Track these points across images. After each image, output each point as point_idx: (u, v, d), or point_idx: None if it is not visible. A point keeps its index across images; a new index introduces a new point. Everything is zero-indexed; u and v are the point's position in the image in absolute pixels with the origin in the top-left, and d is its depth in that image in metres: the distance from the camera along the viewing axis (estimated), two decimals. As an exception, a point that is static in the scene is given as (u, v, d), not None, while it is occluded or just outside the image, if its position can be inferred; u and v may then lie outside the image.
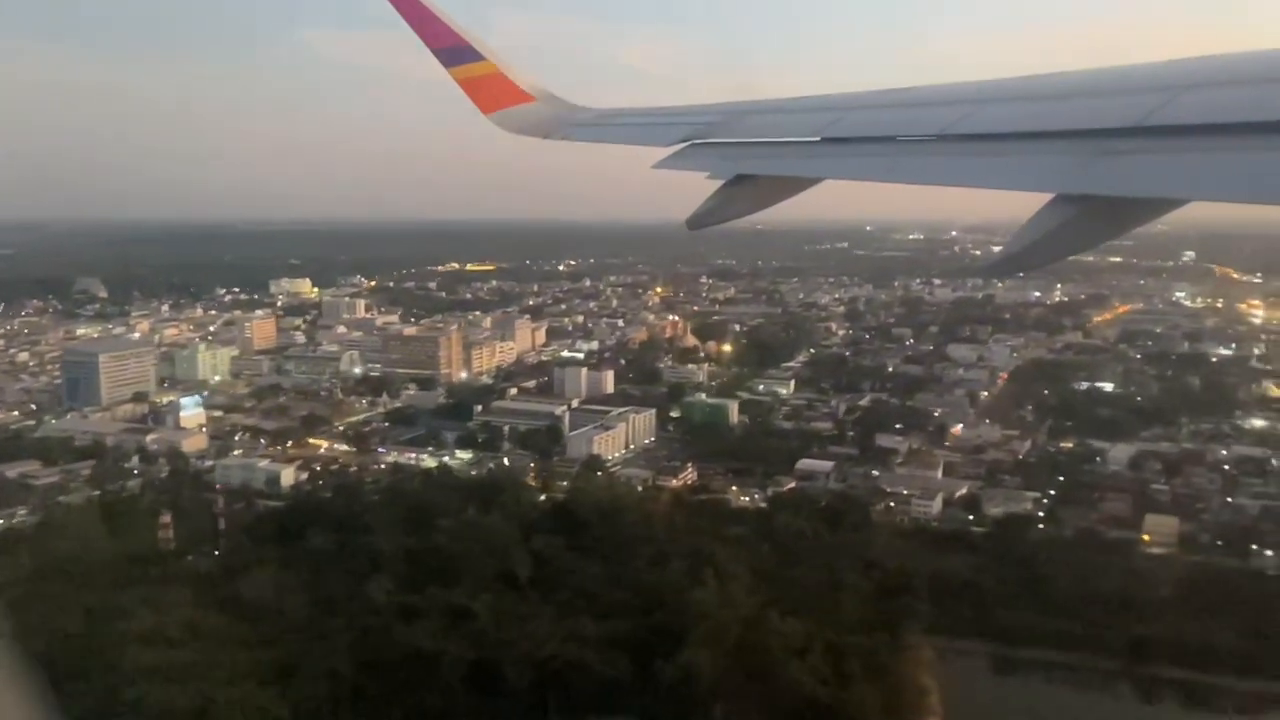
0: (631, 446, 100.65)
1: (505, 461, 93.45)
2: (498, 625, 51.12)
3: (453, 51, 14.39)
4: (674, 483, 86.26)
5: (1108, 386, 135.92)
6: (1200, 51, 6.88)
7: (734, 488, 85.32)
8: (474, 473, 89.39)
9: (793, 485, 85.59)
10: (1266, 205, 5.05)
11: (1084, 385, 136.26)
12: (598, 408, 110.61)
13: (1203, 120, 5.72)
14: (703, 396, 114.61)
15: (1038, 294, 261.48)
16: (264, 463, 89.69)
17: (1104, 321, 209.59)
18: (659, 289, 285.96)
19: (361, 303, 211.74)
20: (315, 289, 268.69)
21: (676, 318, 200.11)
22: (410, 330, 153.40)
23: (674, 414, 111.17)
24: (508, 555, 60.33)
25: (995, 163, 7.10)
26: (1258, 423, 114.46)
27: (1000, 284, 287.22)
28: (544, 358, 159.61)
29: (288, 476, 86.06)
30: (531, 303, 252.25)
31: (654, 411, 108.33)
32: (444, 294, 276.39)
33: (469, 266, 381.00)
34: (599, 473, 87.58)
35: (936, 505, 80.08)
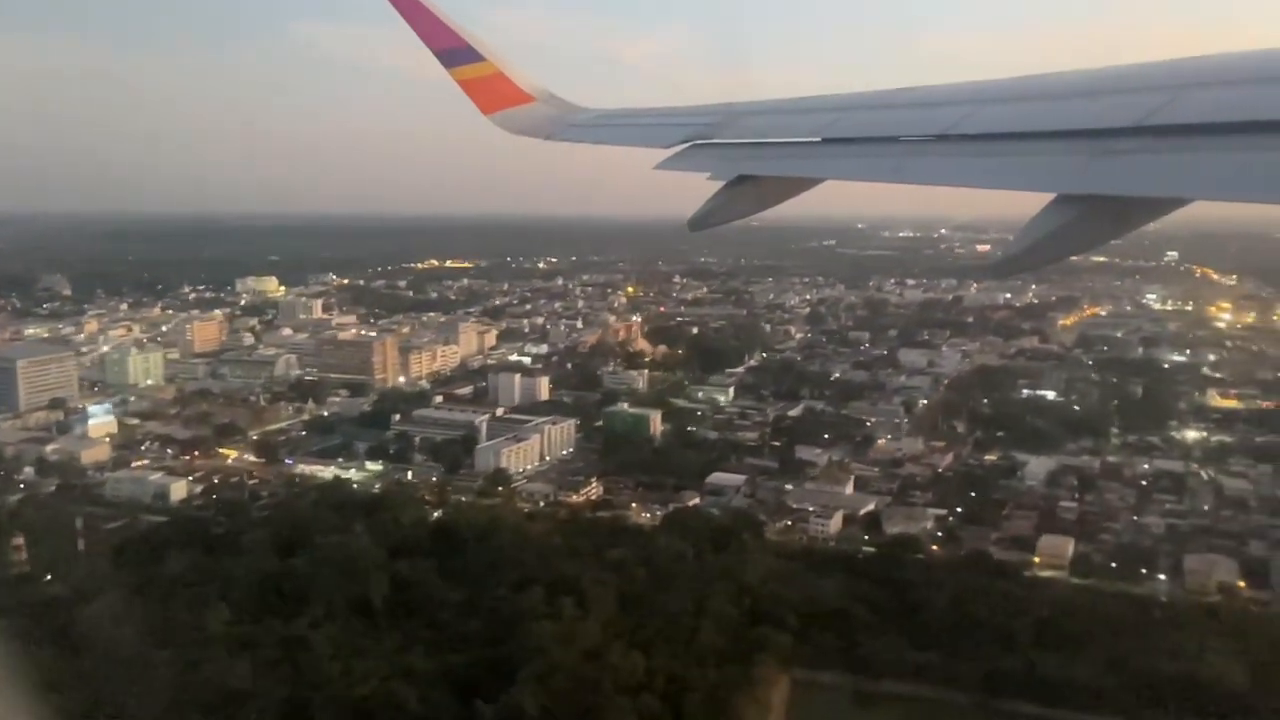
0: (547, 458, 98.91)
1: (409, 475, 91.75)
2: (330, 659, 49.65)
3: (453, 52, 14.45)
4: (574, 498, 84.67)
5: (1050, 395, 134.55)
6: (1201, 51, 6.92)
7: (634, 504, 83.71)
8: (376, 487, 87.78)
9: (696, 501, 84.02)
10: (1268, 205, 5.03)
11: (1026, 393, 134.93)
12: (521, 417, 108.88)
13: (1204, 120, 5.72)
14: (625, 406, 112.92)
15: (1008, 296, 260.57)
16: (156, 476, 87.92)
17: (1066, 325, 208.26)
18: (630, 289, 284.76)
19: (319, 303, 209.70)
20: (282, 288, 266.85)
21: (633, 320, 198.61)
22: (349, 335, 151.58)
23: (599, 424, 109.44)
24: (369, 580, 58.92)
25: (997, 163, 7.13)
26: (1191, 435, 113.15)
27: (975, 285, 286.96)
28: (490, 361, 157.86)
29: (178, 490, 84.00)
30: (498, 303, 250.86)
31: (574, 422, 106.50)
32: (412, 293, 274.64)
33: (448, 263, 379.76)
34: (499, 488, 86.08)
35: (835, 524, 78.50)
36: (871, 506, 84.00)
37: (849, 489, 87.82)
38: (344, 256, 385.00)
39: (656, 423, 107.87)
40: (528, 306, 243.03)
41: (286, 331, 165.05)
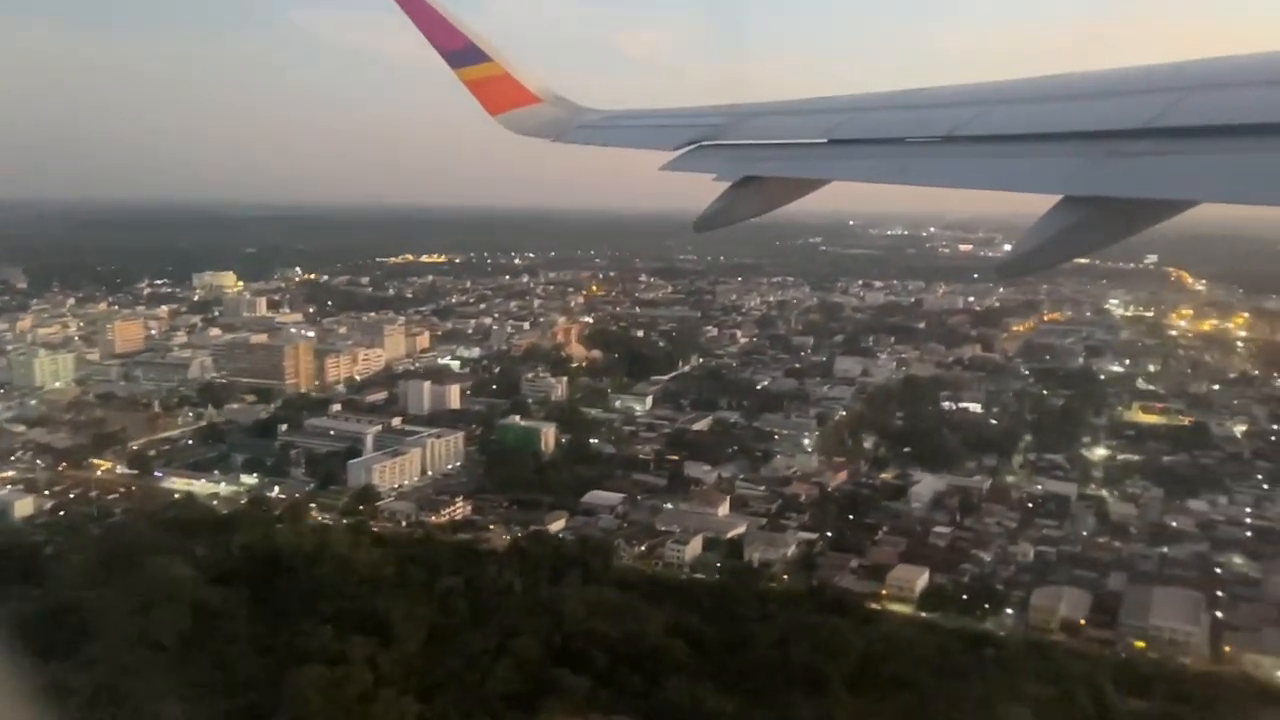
0: (429, 473, 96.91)
1: (276, 491, 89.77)
2: (87, 706, 47.73)
3: (460, 53, 14.41)
4: (434, 519, 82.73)
5: (973, 407, 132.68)
6: (1209, 53, 6.92)
7: (496, 526, 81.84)
8: (243, 502, 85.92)
9: (560, 524, 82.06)
10: (1275, 206, 4.97)
11: (948, 406, 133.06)
12: (414, 428, 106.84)
13: (1211, 121, 5.76)
14: (517, 419, 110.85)
15: (971, 299, 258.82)
16: (3, 490, 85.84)
17: (1019, 332, 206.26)
18: (595, 287, 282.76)
19: (263, 300, 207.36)
20: (240, 283, 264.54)
21: (577, 322, 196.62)
22: (261, 338, 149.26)
23: (493, 436, 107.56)
24: (169, 612, 56.99)
25: (1004, 164, 7.12)
26: (1099, 453, 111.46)
27: (943, 288, 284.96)
28: (417, 365, 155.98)
29: (24, 507, 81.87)
30: (454, 300, 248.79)
31: (462, 434, 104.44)
32: (371, 290, 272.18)
33: (423, 258, 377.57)
34: (361, 506, 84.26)
35: (693, 549, 76.63)
36: (741, 530, 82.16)
37: (723, 510, 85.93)
38: (321, 249, 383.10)
39: (550, 436, 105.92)
40: (482, 305, 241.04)
41: (215, 332, 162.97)
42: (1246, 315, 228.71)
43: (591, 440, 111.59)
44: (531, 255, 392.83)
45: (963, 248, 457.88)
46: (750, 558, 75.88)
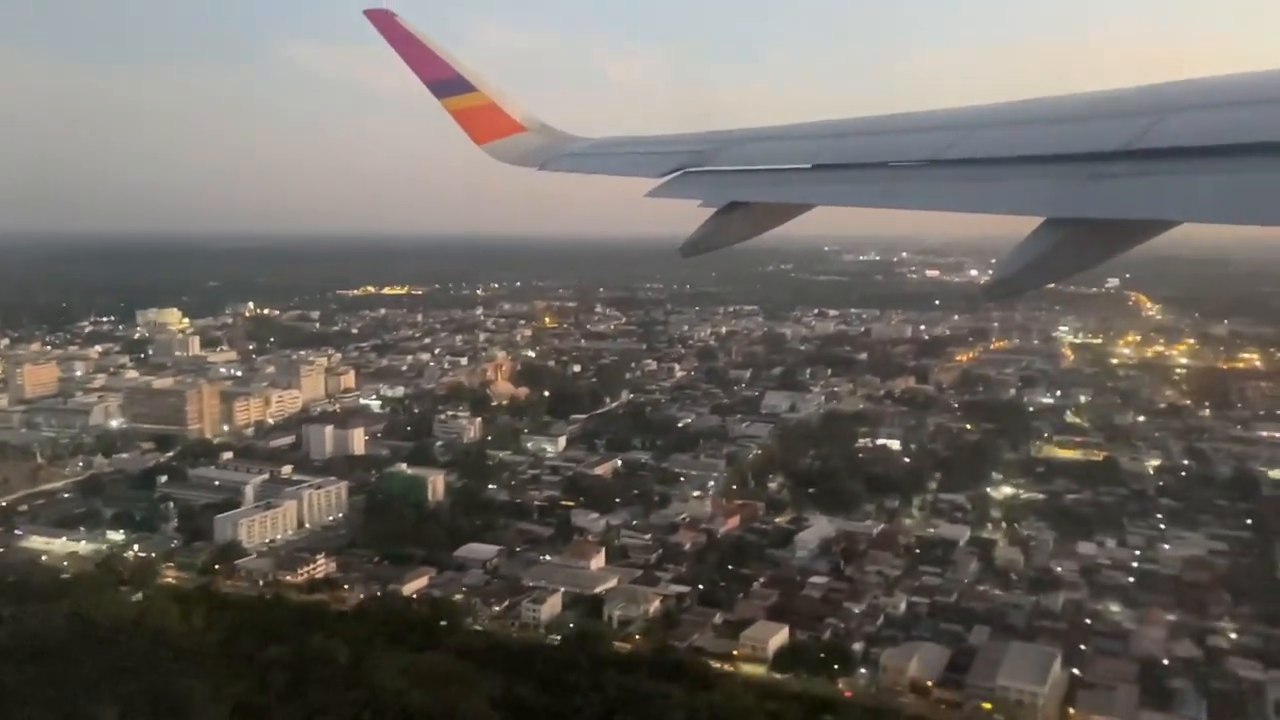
0: (306, 526, 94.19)
1: (135, 549, 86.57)
2: None
3: (445, 83, 14.60)
4: (291, 578, 79.68)
5: (893, 444, 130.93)
6: (1186, 75, 7.09)
7: (353, 585, 78.86)
8: (107, 559, 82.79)
9: (424, 581, 79.24)
10: (1254, 226, 5.10)
11: (865, 444, 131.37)
12: (304, 477, 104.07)
13: (1190, 143, 5.85)
14: (404, 467, 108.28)
15: (922, 328, 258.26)
16: None
17: (960, 362, 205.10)
18: (549, 319, 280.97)
19: (196, 339, 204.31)
20: (184, 319, 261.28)
21: (508, 359, 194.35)
22: (162, 383, 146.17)
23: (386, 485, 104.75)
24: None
25: (986, 187, 7.22)
26: (1004, 492, 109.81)
27: (896, 316, 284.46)
28: (336, 406, 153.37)
29: None
30: (402, 334, 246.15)
31: (344, 485, 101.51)
32: (318, 325, 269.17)
33: (384, 290, 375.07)
34: (218, 565, 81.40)
35: (552, 608, 74.02)
36: (612, 584, 79.72)
37: (597, 563, 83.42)
38: (286, 281, 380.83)
39: (438, 485, 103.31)
40: (427, 340, 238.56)
41: (131, 374, 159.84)
42: (1191, 342, 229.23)
43: (490, 486, 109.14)
44: (496, 286, 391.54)
45: (929, 273, 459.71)
46: (609, 615, 73.39)
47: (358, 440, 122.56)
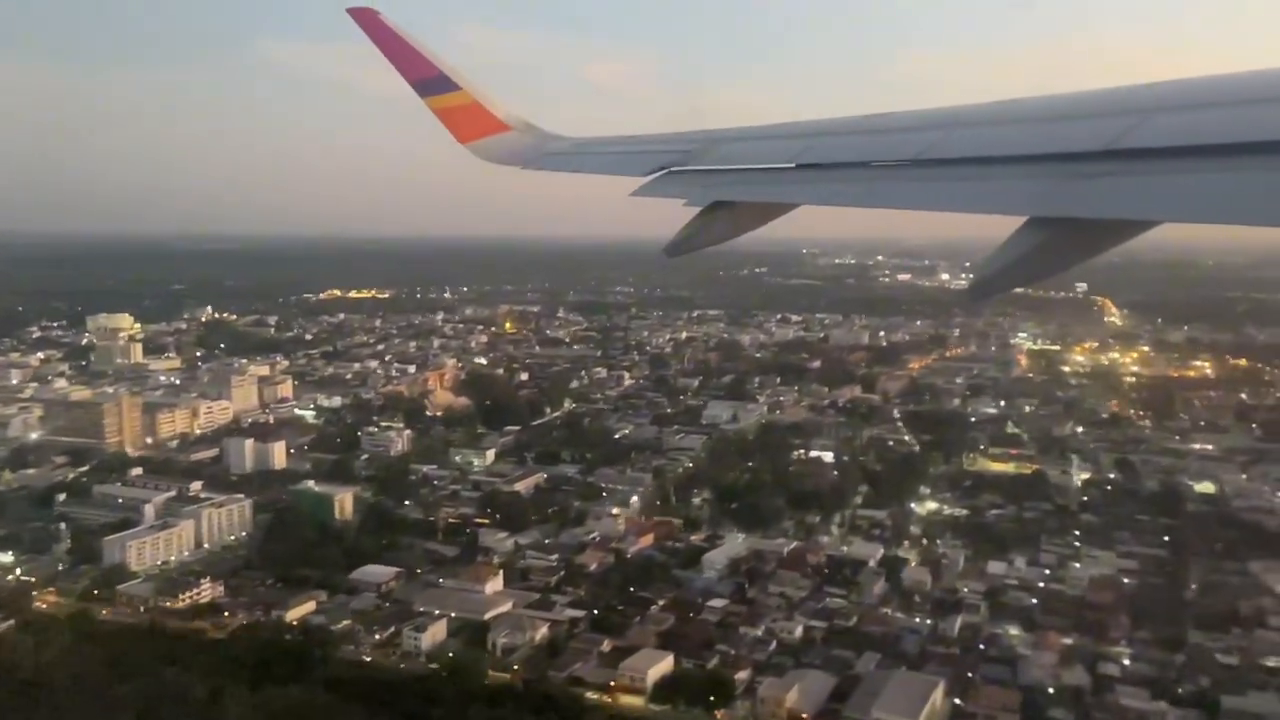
0: (205, 546, 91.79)
1: (17, 572, 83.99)
2: None
3: (429, 81, 14.54)
4: (173, 604, 77.32)
5: (827, 456, 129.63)
6: (1167, 76, 7.18)
7: (238, 611, 76.54)
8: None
9: (312, 606, 77.02)
10: (1234, 225, 5.17)
11: (798, 456, 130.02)
12: (210, 495, 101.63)
13: (1172, 143, 5.92)
14: (311, 484, 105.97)
15: (882, 334, 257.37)
16: None
17: (913, 369, 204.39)
18: (508, 325, 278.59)
19: (139, 346, 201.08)
20: (136, 325, 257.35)
21: (457, 366, 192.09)
22: (83, 394, 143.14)
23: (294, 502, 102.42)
24: None
25: (969, 187, 7.27)
26: (927, 507, 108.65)
27: (860, 321, 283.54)
28: (269, 416, 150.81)
29: None
30: (357, 340, 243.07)
31: (249, 502, 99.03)
32: (274, 330, 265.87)
33: (351, 293, 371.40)
34: (97, 591, 79.00)
35: (436, 635, 72.06)
36: (506, 608, 77.80)
37: (494, 587, 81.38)
38: (253, 284, 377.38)
39: (346, 502, 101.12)
40: (380, 346, 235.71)
41: (60, 384, 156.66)
42: (1146, 349, 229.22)
43: (406, 502, 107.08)
44: (466, 289, 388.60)
45: (901, 277, 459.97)
46: (493, 643, 71.48)
47: (279, 454, 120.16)
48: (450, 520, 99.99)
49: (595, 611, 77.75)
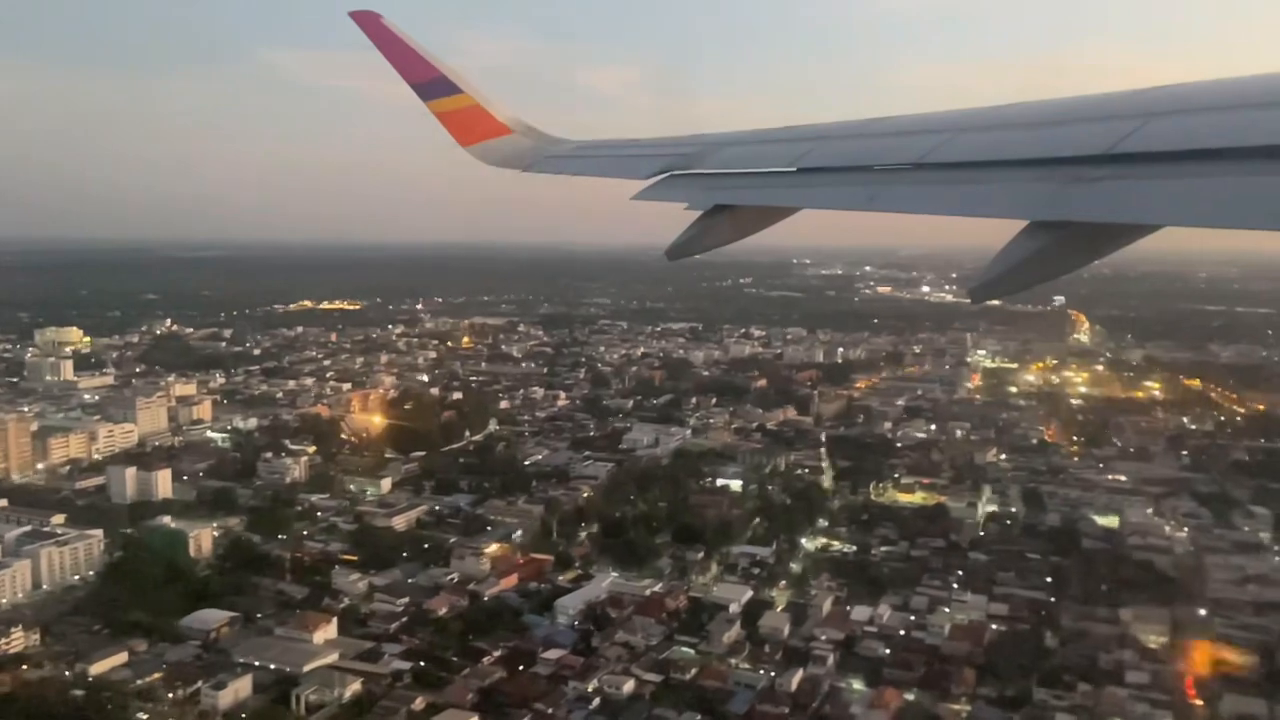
0: (44, 588, 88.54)
1: None
2: None
3: (430, 85, 14.74)
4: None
5: (734, 486, 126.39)
6: (1167, 81, 8.33)
7: (43, 664, 73.06)
8: None
9: (124, 656, 73.58)
10: (1233, 230, 5.26)
11: (705, 485, 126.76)
12: (69, 530, 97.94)
13: (1172, 147, 5.97)
14: (168, 519, 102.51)
15: (841, 349, 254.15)
16: None
17: (860, 387, 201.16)
18: (465, 339, 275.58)
19: (69, 363, 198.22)
20: (86, 338, 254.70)
21: (384, 385, 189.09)
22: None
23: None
24: None
25: (970, 191, 7.33)
26: (819, 542, 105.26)
27: (823, 337, 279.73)
28: (178, 440, 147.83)
29: None
30: (305, 356, 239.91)
31: (98, 538, 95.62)
32: (225, 344, 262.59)
33: (322, 305, 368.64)
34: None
35: (237, 693, 68.28)
36: (330, 659, 74.44)
37: (325, 635, 77.87)
38: (226, 294, 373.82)
39: (204, 540, 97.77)
40: (327, 362, 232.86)
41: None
42: (1100, 368, 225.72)
43: (279, 537, 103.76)
44: (440, 300, 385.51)
45: (882, 289, 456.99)
46: (299, 700, 68.10)
47: (163, 483, 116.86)
48: (310, 558, 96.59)
49: (423, 663, 74.29)
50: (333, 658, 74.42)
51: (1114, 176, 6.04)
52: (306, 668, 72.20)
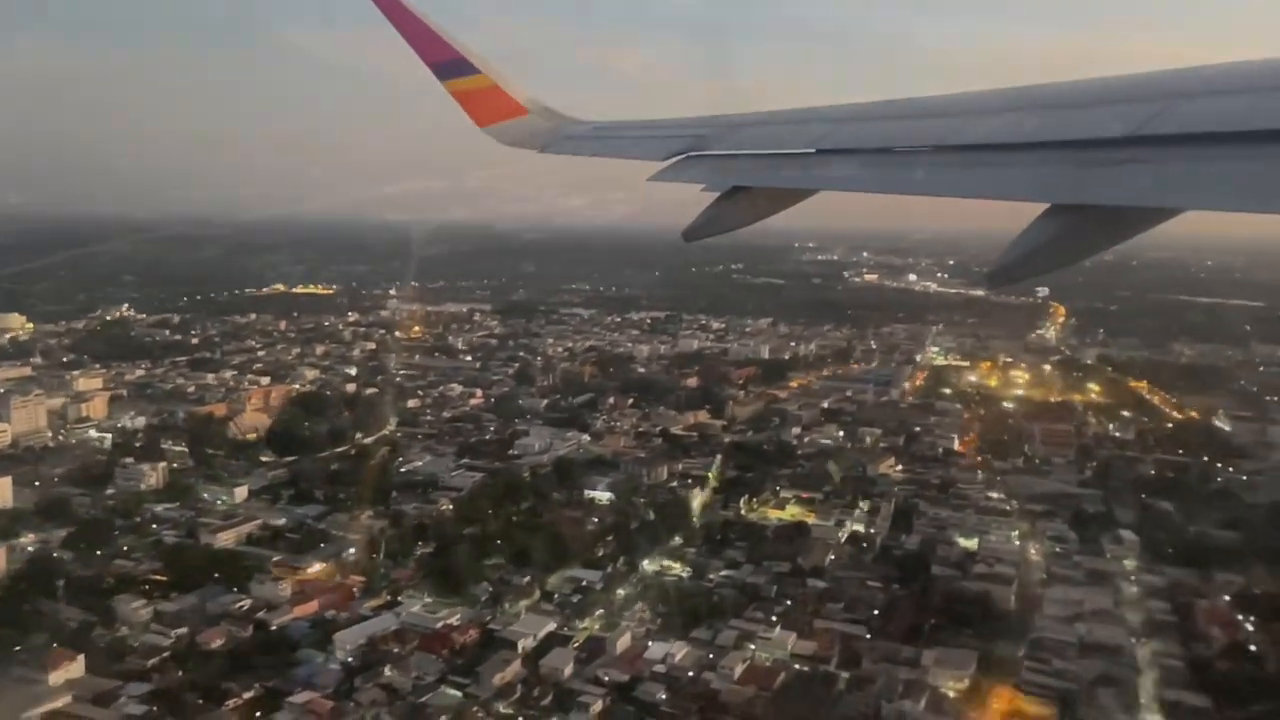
0: None
1: None
2: None
3: (448, 65, 14.75)
4: None
5: (604, 498, 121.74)
6: (1192, 62, 8.86)
7: None
8: None
9: None
10: (1260, 214, 5.21)
11: (579, 496, 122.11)
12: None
13: (1197, 130, 5.88)
14: None
15: (794, 344, 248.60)
16: None
17: (793, 387, 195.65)
18: (415, 329, 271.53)
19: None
20: (29, 324, 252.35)
21: (283, 384, 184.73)
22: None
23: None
24: None
25: (990, 173, 7.30)
26: (658, 565, 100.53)
27: (783, 329, 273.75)
28: (59, 439, 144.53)
29: None
30: (248, 344, 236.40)
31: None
32: (169, 332, 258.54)
33: (296, 289, 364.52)
34: None
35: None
36: (58, 704, 70.25)
37: (66, 676, 73.41)
38: (205, 273, 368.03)
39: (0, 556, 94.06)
40: (262, 353, 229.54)
41: None
42: (1048, 368, 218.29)
43: (98, 553, 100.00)
44: (416, 285, 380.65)
45: (868, 277, 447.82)
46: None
47: (4, 490, 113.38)
48: (114, 579, 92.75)
49: (156, 709, 70.21)
50: (62, 701, 70.27)
51: (1137, 159, 5.92)
52: (25, 715, 68.11)
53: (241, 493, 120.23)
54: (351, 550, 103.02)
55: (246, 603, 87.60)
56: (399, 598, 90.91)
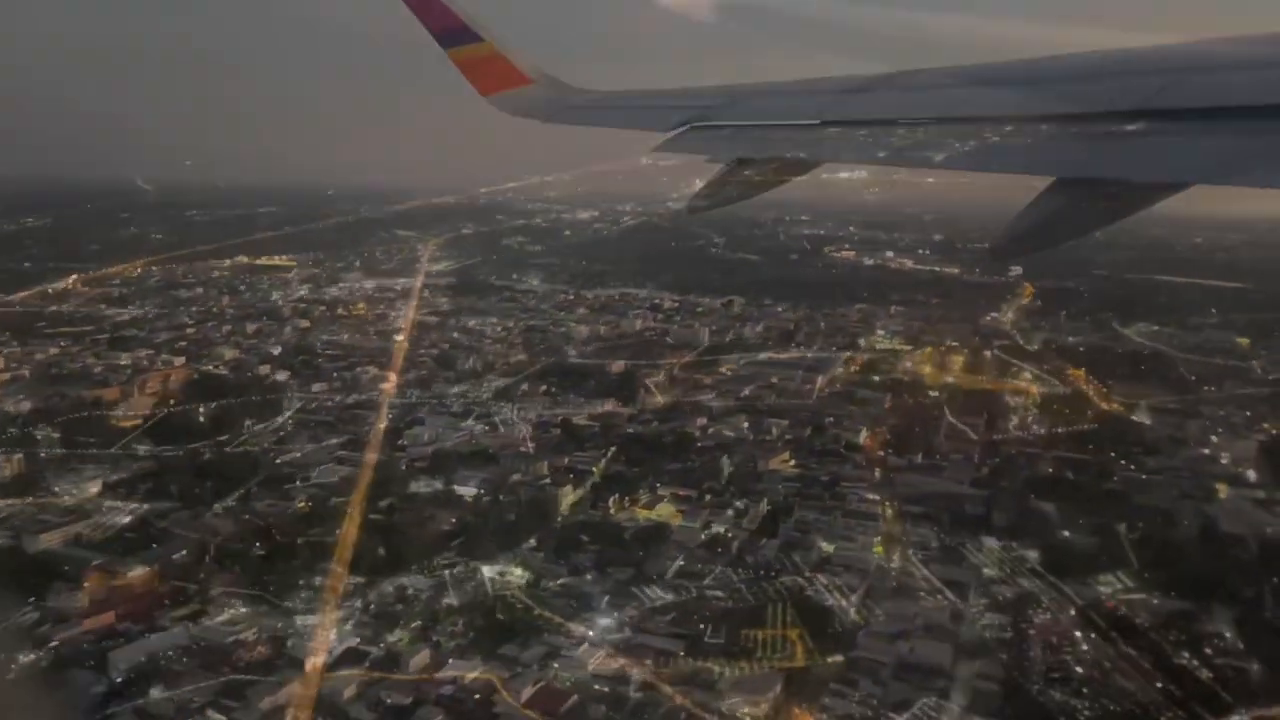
0: None
1: None
2: None
3: (452, 33, 15.23)
4: None
5: (468, 494, 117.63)
6: (1204, 35, 7.20)
7: None
8: None
9: None
10: (1269, 189, 5.07)
11: (446, 491, 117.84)
12: None
13: (1206, 103, 5.85)
14: None
15: (742, 325, 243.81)
16: None
17: (717, 375, 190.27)
18: (360, 307, 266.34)
19: None
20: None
21: (183, 363, 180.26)
22: None
23: None
24: None
25: (997, 145, 7.18)
26: (497, 570, 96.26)
27: (736, 309, 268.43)
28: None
29: None
30: (173, 322, 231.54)
31: None
32: (104, 306, 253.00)
33: (260, 260, 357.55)
34: None
35: None
36: None
37: None
38: (178, 240, 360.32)
39: None
40: (191, 330, 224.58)
41: None
42: (988, 354, 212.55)
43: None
44: (387, 263, 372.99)
45: (844, 254, 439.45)
46: None
47: None
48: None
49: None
50: None
51: (1146, 133, 5.83)
52: None
53: (95, 487, 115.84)
54: (184, 552, 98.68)
55: (33, 616, 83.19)
56: (208, 608, 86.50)
